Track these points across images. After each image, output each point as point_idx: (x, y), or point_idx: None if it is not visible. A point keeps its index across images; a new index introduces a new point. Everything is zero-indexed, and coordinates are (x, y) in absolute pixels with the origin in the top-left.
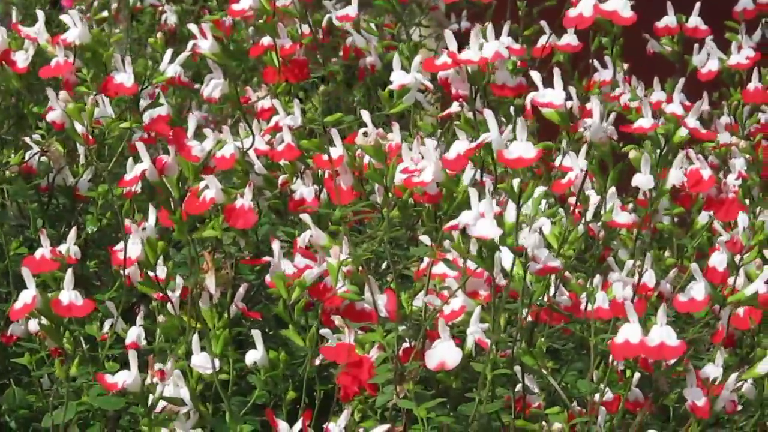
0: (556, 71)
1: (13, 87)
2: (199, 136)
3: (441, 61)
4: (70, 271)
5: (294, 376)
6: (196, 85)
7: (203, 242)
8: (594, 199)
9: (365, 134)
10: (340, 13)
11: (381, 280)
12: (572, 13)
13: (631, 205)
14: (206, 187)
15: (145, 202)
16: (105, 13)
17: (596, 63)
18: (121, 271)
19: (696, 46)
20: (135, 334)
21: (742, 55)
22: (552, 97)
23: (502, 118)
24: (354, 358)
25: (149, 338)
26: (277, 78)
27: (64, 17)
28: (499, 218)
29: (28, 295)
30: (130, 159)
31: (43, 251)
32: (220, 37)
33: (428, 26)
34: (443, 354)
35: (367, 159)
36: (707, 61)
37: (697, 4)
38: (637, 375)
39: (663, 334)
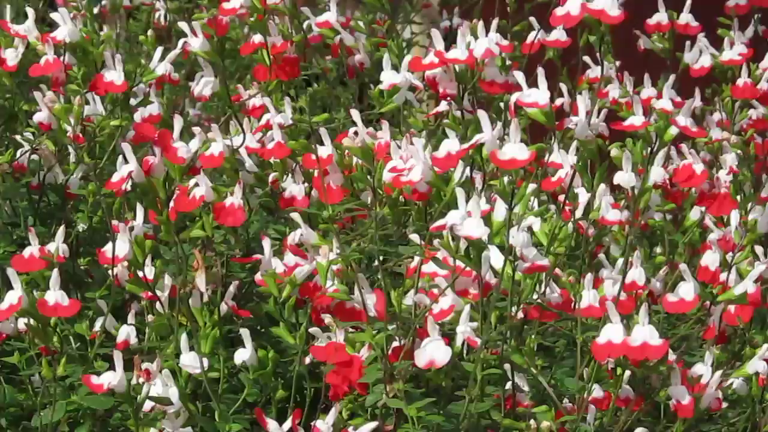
0: (540, 71)
1: (3, 85)
2: (189, 135)
3: (428, 60)
4: (56, 271)
5: (285, 374)
6: (190, 84)
7: (194, 240)
8: (584, 196)
9: (356, 133)
10: (320, 19)
11: (372, 278)
12: (560, 11)
13: (623, 202)
14: (196, 185)
15: (135, 200)
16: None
17: (588, 60)
18: (110, 271)
19: (687, 43)
20: (125, 332)
21: (734, 51)
22: (537, 96)
23: (493, 114)
24: (344, 358)
25: (141, 336)
26: (268, 76)
27: (54, 15)
28: (487, 217)
29: (14, 296)
30: (120, 157)
31: (32, 250)
32: (211, 34)
33: (421, 23)
34: (433, 353)
35: (355, 159)
36: (699, 57)
37: (689, 1)
38: (627, 372)
39: (646, 333)
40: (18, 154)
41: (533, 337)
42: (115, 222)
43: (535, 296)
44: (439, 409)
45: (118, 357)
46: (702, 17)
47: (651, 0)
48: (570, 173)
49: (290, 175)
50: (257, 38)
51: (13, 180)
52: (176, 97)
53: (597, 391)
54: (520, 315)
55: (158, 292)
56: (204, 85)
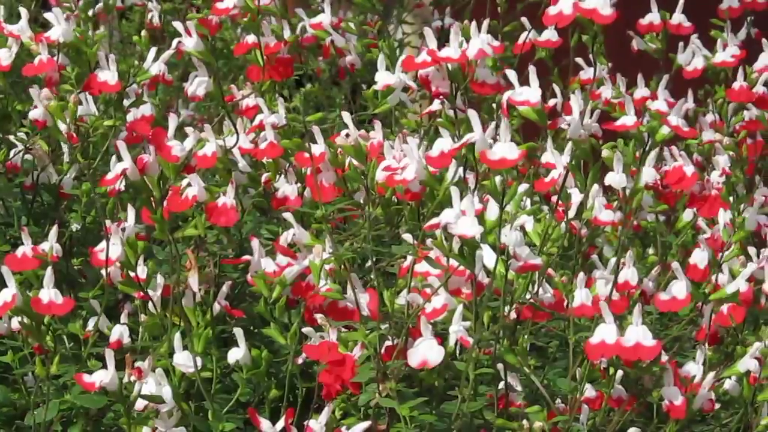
0: (532, 69)
1: None
2: (182, 134)
3: (421, 59)
4: (50, 269)
5: (277, 374)
6: (184, 84)
7: (187, 240)
8: (577, 196)
9: (347, 135)
10: (314, 20)
11: (365, 278)
12: (552, 10)
13: (616, 203)
14: (189, 185)
15: (128, 200)
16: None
17: (580, 61)
18: (103, 271)
19: (681, 44)
20: (118, 332)
21: (727, 53)
22: (528, 95)
23: (484, 115)
24: (336, 357)
25: (133, 336)
26: (261, 76)
27: (47, 15)
28: (481, 216)
29: (7, 294)
30: (114, 157)
31: (25, 249)
32: (205, 34)
33: (413, 23)
34: (425, 352)
35: (348, 158)
36: (692, 58)
37: (681, 1)
38: (620, 372)
39: (639, 334)
40: (11, 153)
41: (526, 336)
42: (108, 222)
43: (528, 296)
44: (432, 409)
45: (110, 355)
46: (694, 18)
47: (643, 1)
48: (563, 173)
49: (283, 175)
50: (250, 39)
51: (6, 180)
52: (170, 98)
53: (589, 391)
54: (513, 315)
55: (151, 292)
56: (198, 85)
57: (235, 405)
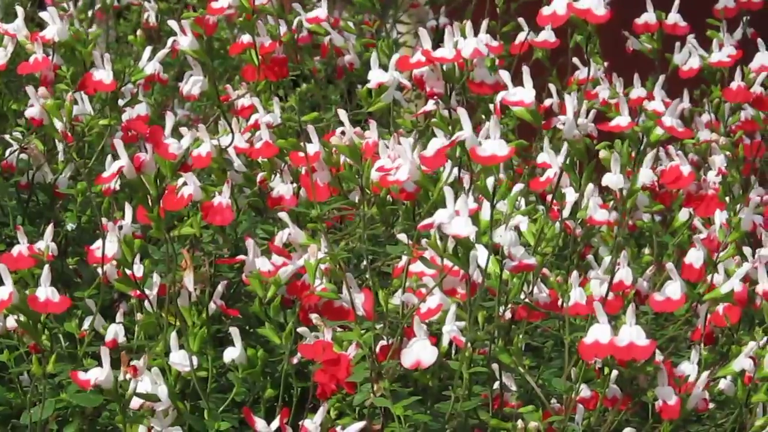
0: (526, 69)
1: None
2: (177, 134)
3: (415, 59)
4: (46, 267)
5: (273, 374)
6: (179, 84)
7: (182, 240)
8: (572, 196)
9: (343, 133)
10: (310, 15)
11: (360, 278)
12: (546, 11)
13: (612, 203)
14: (184, 184)
15: (124, 200)
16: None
17: (577, 62)
18: (99, 270)
19: (677, 44)
20: (114, 331)
21: (723, 53)
22: (522, 95)
23: (482, 116)
24: (331, 356)
25: (129, 335)
26: (256, 76)
27: (43, 14)
28: (475, 216)
29: (4, 292)
30: (109, 156)
31: (21, 248)
32: (200, 33)
33: (408, 23)
34: (419, 352)
35: (343, 158)
36: (688, 58)
37: (677, 1)
38: (615, 372)
39: (632, 334)
40: (7, 153)
41: (521, 336)
42: (104, 220)
43: (522, 296)
44: (427, 409)
45: (105, 353)
46: (690, 18)
47: (639, 1)
48: (558, 173)
49: (278, 174)
50: (246, 38)
51: (1, 179)
52: (165, 98)
53: (585, 391)
54: (508, 315)
55: (147, 291)
56: (193, 84)
57: (230, 404)
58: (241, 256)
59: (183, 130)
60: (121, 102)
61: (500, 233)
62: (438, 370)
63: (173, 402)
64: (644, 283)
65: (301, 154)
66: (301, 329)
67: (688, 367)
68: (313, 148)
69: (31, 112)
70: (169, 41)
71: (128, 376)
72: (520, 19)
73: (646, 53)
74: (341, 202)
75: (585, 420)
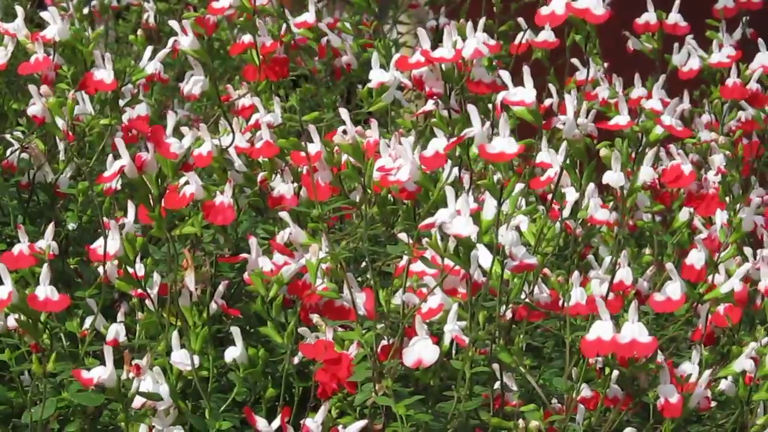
0: (526, 69)
1: None
2: (178, 134)
3: (414, 59)
4: (46, 266)
5: (274, 373)
6: (180, 84)
7: (183, 239)
8: (573, 196)
9: (344, 132)
10: (298, 19)
11: (361, 277)
12: (545, 10)
13: (612, 203)
14: (186, 183)
15: (125, 199)
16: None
17: (576, 62)
18: (100, 269)
19: (676, 45)
20: (115, 330)
21: (723, 53)
22: (523, 95)
23: (481, 115)
24: (332, 356)
25: (130, 335)
26: (257, 76)
27: (43, 14)
28: (476, 216)
29: (4, 291)
30: (110, 156)
31: (21, 247)
32: (201, 33)
33: (408, 23)
34: (420, 352)
35: (345, 157)
36: (688, 59)
37: (677, 1)
38: (616, 372)
39: (635, 331)
40: (8, 152)
41: (521, 336)
42: (107, 219)
43: (523, 296)
44: (428, 408)
45: (108, 352)
46: (690, 18)
47: (639, 1)
48: (558, 172)
49: (279, 174)
50: (246, 38)
51: (2, 179)
52: (166, 98)
53: (585, 391)
54: (509, 314)
55: (148, 290)
56: (194, 84)
57: (231, 404)
58: (244, 255)
59: (184, 129)
60: (121, 102)
61: (502, 233)
62: (439, 369)
63: (175, 401)
64: (644, 283)
65: (303, 154)
66: (302, 329)
67: (689, 368)
68: (315, 147)
69: (33, 110)
70: (170, 41)
71: (131, 375)
72: (520, 19)
73: (646, 53)
74: (342, 202)
75: (586, 420)
